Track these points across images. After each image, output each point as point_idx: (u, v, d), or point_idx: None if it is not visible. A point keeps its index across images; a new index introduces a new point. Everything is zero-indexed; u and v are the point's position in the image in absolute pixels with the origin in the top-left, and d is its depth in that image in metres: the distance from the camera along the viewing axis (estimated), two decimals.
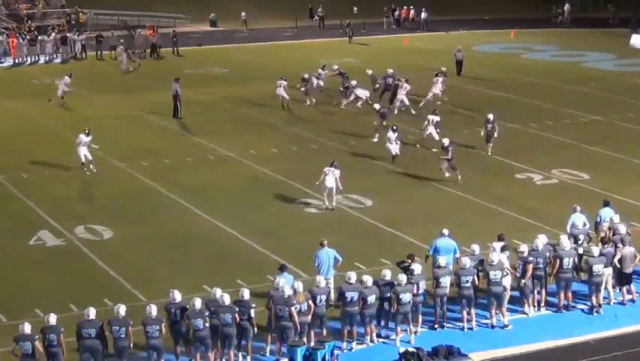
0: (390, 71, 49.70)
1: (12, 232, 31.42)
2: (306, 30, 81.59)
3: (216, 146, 41.47)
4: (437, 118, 40.81)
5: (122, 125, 45.91)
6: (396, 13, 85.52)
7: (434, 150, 38.86)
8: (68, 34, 68.95)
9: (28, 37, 68.04)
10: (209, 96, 51.57)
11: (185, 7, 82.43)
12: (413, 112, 46.42)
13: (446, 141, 36.11)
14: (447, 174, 35.87)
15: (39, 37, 67.96)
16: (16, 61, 65.88)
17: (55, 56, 67.68)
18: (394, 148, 38.36)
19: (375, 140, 40.90)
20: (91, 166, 37.68)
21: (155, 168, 37.90)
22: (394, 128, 38.76)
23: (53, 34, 68.86)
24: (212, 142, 42.16)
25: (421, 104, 47.85)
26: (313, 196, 34.21)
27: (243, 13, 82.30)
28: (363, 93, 47.60)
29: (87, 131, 37.91)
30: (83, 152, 37.63)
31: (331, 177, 32.83)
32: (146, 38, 70.02)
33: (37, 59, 67.10)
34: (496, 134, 39.28)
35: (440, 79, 49.10)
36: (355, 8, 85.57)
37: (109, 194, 35.45)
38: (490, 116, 39.39)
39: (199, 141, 42.86)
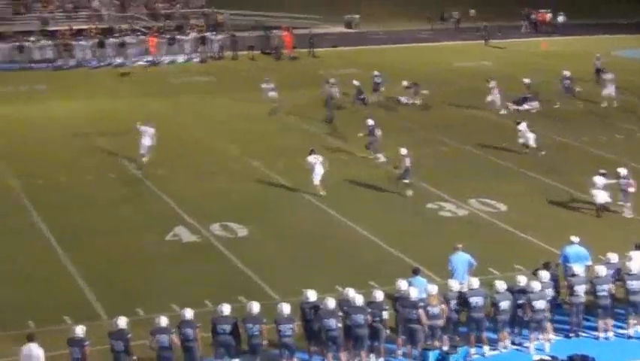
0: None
1: (149, 227, 32.04)
2: (442, 32, 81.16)
3: (350, 147, 41.55)
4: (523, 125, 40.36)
5: (259, 125, 46.31)
6: (533, 16, 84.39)
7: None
8: (207, 34, 69.98)
9: (167, 36, 69.31)
10: (342, 97, 51.67)
11: (320, 8, 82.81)
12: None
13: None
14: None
15: (178, 37, 69.16)
16: (155, 60, 67.15)
17: (193, 55, 68.77)
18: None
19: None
20: (147, 156, 38.37)
21: (290, 168, 38.16)
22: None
23: (192, 34, 69.98)
24: (346, 142, 42.29)
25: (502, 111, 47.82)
26: (447, 200, 34.05)
27: (356, 16, 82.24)
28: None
29: (148, 123, 39.10)
30: (148, 142, 38.45)
31: (320, 165, 34.59)
32: (281, 39, 70.72)
33: (175, 58, 68.30)
34: None
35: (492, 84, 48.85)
36: (472, 10, 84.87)
37: (245, 192, 35.84)
38: None
39: (334, 141, 43.00)
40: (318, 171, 34.67)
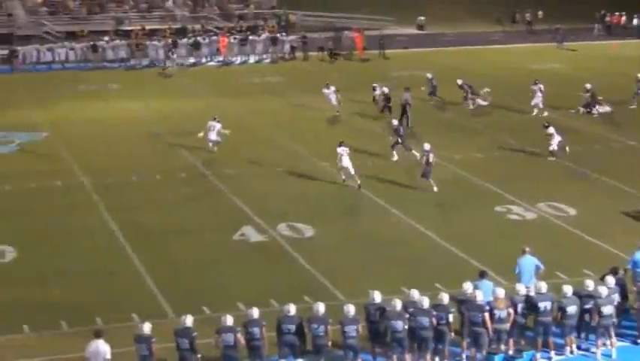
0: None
1: (217, 226, 32.23)
2: (514, 34, 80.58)
3: (418, 148, 41.51)
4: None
5: (328, 126, 46.39)
6: (607, 19, 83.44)
7: None
8: (278, 35, 70.28)
9: (239, 36, 69.74)
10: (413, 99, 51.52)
11: (392, 10, 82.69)
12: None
13: None
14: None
15: (250, 38, 69.55)
16: (226, 60, 67.58)
17: (264, 56, 69.12)
18: None
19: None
20: (215, 148, 40.15)
21: (357, 170, 38.15)
22: None
23: (264, 34, 70.33)
24: (413, 144, 42.18)
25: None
26: (516, 203, 33.81)
27: (421, 18, 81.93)
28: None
29: (217, 118, 40.48)
30: (213, 137, 39.94)
31: (347, 157, 35.80)
32: (352, 41, 70.78)
33: (247, 58, 68.70)
34: None
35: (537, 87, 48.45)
36: (540, 13, 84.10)
37: (312, 193, 35.92)
38: None
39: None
40: (346, 163, 35.75)
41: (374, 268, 28.26)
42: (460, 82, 50.51)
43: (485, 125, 46.14)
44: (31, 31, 70.64)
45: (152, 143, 43.31)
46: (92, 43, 66.53)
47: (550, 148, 39.59)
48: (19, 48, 65.28)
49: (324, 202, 34.84)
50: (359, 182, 35.69)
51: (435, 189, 35.19)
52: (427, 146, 35.79)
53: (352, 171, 35.87)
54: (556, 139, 39.52)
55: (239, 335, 21.07)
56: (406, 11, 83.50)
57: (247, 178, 37.66)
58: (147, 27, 71.96)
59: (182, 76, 62.29)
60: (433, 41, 77.02)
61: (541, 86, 48.29)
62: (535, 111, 47.79)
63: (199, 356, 20.99)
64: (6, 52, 64.79)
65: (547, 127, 40.06)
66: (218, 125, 40.32)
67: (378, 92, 48.75)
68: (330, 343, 21.55)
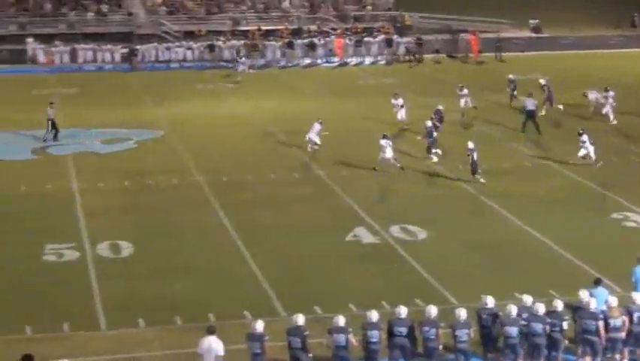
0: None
1: (330, 226, 32.36)
2: (634, 39, 78.98)
3: (534, 153, 41.05)
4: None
5: (444, 128, 46.21)
6: None
7: None
8: (393, 37, 70.18)
9: (354, 38, 69.84)
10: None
11: (509, 12, 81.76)
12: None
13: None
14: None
15: (365, 39, 69.59)
16: (342, 61, 67.75)
17: (379, 57, 69.11)
18: None
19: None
20: (315, 147, 40.64)
21: (468, 172, 37.95)
22: None
23: (379, 36, 70.30)
24: (530, 149, 41.78)
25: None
26: (634, 210, 33.21)
27: (537, 21, 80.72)
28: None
29: (320, 120, 40.77)
30: (312, 136, 40.43)
31: (389, 149, 37.70)
32: (468, 43, 70.31)
33: (362, 60, 68.78)
34: None
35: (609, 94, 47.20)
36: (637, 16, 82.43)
37: (426, 195, 35.81)
38: None
39: (516, 146, 42.49)
40: (389, 154, 37.69)
41: (487, 272, 28.07)
42: (542, 82, 49.67)
43: (605, 131, 45.27)
44: (151, 31, 71.80)
45: (266, 142, 43.64)
46: (209, 42, 67.33)
47: (582, 153, 38.70)
48: (138, 47, 66.41)
49: (437, 205, 34.72)
50: (399, 165, 37.97)
51: (482, 180, 36.10)
52: (470, 144, 36.57)
53: (392, 161, 37.82)
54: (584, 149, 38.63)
55: (350, 336, 21.11)
56: (523, 14, 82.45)
57: (360, 179, 37.71)
58: (264, 27, 72.55)
59: (297, 76, 62.61)
60: (550, 44, 75.90)
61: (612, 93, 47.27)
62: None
63: (310, 355, 21.09)
64: (126, 50, 65.96)
65: (581, 134, 38.93)
66: (318, 127, 40.57)
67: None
68: (441, 346, 21.47)
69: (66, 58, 65.66)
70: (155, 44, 67.61)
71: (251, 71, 61.54)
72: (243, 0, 77.49)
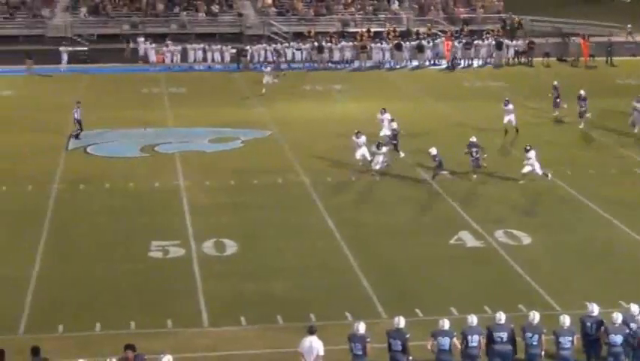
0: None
1: (434, 229, 32.22)
2: None
3: None
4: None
5: (551, 131, 45.70)
6: None
7: None
8: (503, 40, 69.55)
9: (463, 40, 69.43)
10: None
11: (623, 17, 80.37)
12: None
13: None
14: None
15: (474, 42, 69.12)
16: (450, 64, 67.42)
17: (488, 60, 68.58)
18: None
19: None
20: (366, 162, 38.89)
21: (579, 177, 37.41)
22: None
23: (489, 38, 69.76)
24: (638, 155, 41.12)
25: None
26: None
27: (629, 25, 78.93)
28: None
29: (358, 133, 39.22)
30: (361, 153, 38.91)
31: (364, 148, 38.28)
32: (579, 47, 69.28)
33: (470, 62, 68.35)
34: None
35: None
36: None
37: (531, 200, 35.41)
38: None
39: (625, 152, 41.78)
40: (363, 152, 38.34)
41: (592, 279, 27.66)
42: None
43: None
44: (260, 31, 72.45)
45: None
46: (317, 44, 67.60)
47: None
48: (247, 47, 67.01)
49: (543, 210, 34.33)
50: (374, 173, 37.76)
51: (474, 176, 37.36)
52: (473, 138, 38.07)
53: (369, 158, 38.13)
54: None
55: (455, 340, 20.98)
56: (636, 18, 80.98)
57: (465, 182, 37.45)
58: (372, 29, 72.55)
59: (405, 79, 62.47)
60: None
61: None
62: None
63: (411, 358, 21.04)
64: (235, 51, 66.59)
65: None
66: (359, 140, 39.36)
67: None
68: (543, 353, 21.21)
69: (177, 57, 66.58)
70: (265, 45, 68.15)
71: (276, 81, 58.98)
72: (353, 2, 77.64)
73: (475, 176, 37.51)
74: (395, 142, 40.98)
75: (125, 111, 50.35)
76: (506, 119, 44.78)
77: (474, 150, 37.77)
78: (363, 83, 60.61)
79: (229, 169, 39.15)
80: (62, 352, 22.62)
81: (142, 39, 67.93)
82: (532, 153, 36.63)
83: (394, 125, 41.88)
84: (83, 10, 73.31)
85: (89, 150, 42.71)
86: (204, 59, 66.67)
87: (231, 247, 30.43)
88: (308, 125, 47.90)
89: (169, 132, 45.68)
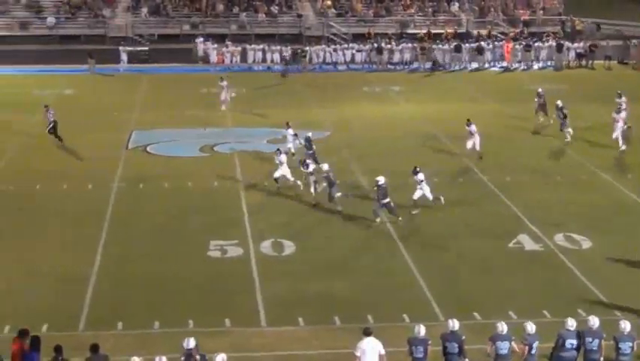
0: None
1: (493, 232, 32.01)
2: None
3: None
4: None
5: (609, 138, 45.21)
6: None
7: None
8: (563, 42, 69.00)
9: (523, 42, 69.00)
10: None
11: None
12: None
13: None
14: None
15: (535, 44, 68.66)
16: (509, 66, 67.06)
17: (549, 63, 68.10)
18: None
19: None
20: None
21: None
22: None
23: (549, 41, 69.25)
24: None
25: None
26: None
27: None
28: None
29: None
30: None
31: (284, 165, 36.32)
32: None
33: (530, 65, 67.91)
34: None
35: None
36: None
37: (591, 204, 35.09)
38: None
39: None
40: (279, 172, 36.28)
41: None
42: (559, 103, 45.12)
43: None
44: (320, 32, 72.57)
45: (429, 145, 43.47)
46: (376, 45, 67.57)
47: None
48: (306, 48, 67.14)
49: (603, 214, 33.98)
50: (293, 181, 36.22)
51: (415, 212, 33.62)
52: (381, 180, 32.62)
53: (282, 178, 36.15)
54: None
55: (514, 344, 20.85)
56: None
57: (524, 185, 37.22)
58: (432, 31, 72.38)
59: (464, 80, 62.24)
60: None
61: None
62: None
63: (467, 360, 20.92)
64: (294, 52, 66.71)
65: None
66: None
67: None
68: (602, 358, 21.01)
69: (237, 58, 66.91)
70: (324, 46, 68.27)
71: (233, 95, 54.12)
72: (412, 3, 77.50)
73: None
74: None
75: (184, 111, 50.68)
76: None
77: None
78: (422, 84, 60.44)
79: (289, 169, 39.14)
80: (120, 349, 22.80)
81: (201, 39, 68.36)
82: (421, 176, 34.34)
83: (297, 141, 40.69)
84: (144, 10, 73.93)
85: (149, 149, 43.08)
86: (263, 60, 66.95)
87: (289, 247, 30.50)
88: (366, 126, 47.84)
89: (228, 132, 45.89)
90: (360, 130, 46.90)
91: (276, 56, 66.80)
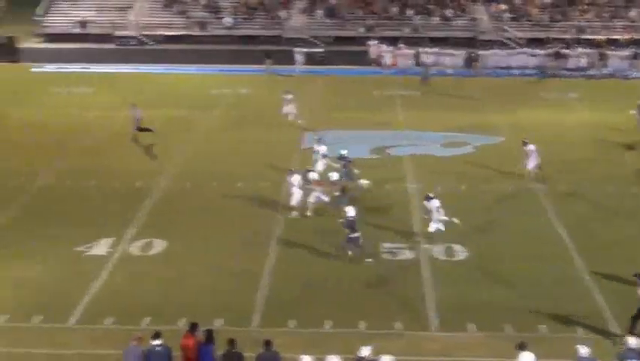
0: None
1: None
2: None
3: None
4: None
5: None
6: None
7: None
8: None
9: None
10: None
11: None
12: None
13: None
14: None
15: None
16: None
17: None
18: None
19: None
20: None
21: None
22: None
23: None
24: None
25: None
26: None
27: None
28: None
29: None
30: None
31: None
32: None
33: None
34: None
35: None
36: None
37: None
38: None
39: None
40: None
41: None
42: None
43: None
44: (493, 36, 71.91)
45: (606, 153, 42.56)
46: (554, 50, 66.57)
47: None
48: (480, 52, 66.66)
49: None
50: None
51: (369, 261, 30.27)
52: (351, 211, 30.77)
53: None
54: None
55: None
56: None
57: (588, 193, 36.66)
58: (609, 37, 70.87)
59: None
60: None
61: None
62: None
63: None
64: (467, 55, 66.32)
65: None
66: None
67: None
68: None
69: (410, 61, 66.92)
70: (497, 50, 67.65)
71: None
72: (589, 8, 76.02)
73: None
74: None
75: (356, 113, 50.96)
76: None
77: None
78: (599, 91, 59.18)
79: (460, 174, 39.01)
80: (292, 347, 23.17)
81: (375, 42, 68.61)
82: (436, 202, 32.30)
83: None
84: (320, 12, 74.65)
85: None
86: (437, 63, 66.75)
87: (461, 252, 30.39)
88: (542, 132, 47.07)
89: (400, 135, 45.92)
90: (535, 136, 45.89)
91: (449, 60, 66.52)
